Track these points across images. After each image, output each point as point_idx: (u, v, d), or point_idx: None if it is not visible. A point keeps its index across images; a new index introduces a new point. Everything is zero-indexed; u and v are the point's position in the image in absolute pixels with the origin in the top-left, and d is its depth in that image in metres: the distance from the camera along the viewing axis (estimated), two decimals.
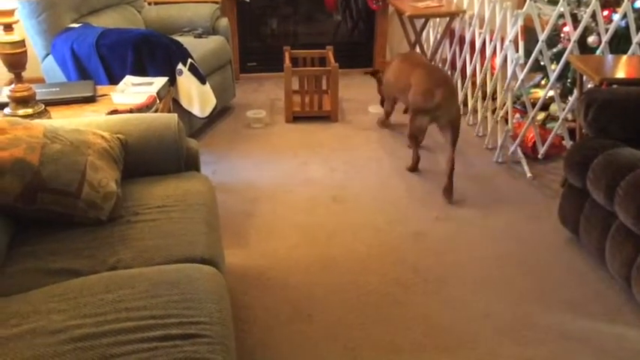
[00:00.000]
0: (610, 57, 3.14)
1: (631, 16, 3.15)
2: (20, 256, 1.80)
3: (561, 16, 3.31)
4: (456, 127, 3.17)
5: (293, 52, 4.33)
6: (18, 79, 2.55)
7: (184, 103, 3.48)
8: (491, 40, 3.72)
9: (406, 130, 3.40)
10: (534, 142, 3.54)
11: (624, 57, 3.08)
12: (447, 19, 4.25)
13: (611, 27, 3.19)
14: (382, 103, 4.12)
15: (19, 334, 1.44)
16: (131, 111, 2.60)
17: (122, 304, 1.50)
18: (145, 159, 2.23)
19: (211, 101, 3.71)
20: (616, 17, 3.28)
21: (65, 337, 1.40)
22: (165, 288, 1.57)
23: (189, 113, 3.56)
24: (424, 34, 4.62)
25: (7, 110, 2.58)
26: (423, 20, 4.54)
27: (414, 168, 3.49)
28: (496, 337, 2.20)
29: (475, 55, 3.94)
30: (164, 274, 1.65)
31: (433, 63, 4.27)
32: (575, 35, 3.21)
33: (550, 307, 2.36)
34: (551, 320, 2.29)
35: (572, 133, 3.42)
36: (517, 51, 3.38)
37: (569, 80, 3.69)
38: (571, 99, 3.39)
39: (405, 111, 4.17)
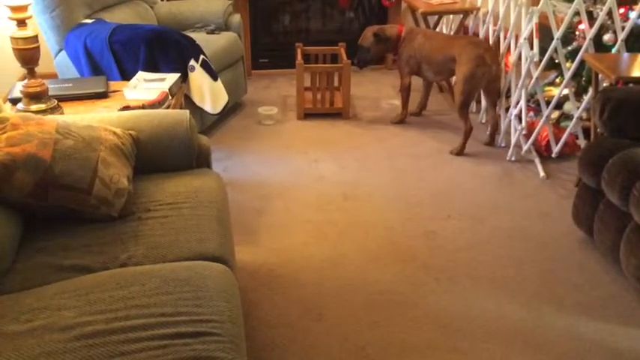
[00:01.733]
0: (626, 55, 3.10)
1: None
2: (31, 251, 1.80)
3: (577, 13, 3.27)
4: (499, 87, 3.68)
5: (305, 49, 4.32)
6: (31, 74, 2.56)
7: (196, 100, 3.48)
8: (505, 38, 3.69)
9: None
10: (548, 141, 3.50)
11: None
12: (461, 15, 4.21)
13: (628, 25, 3.15)
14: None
15: (30, 329, 1.44)
16: (143, 107, 2.60)
17: (133, 301, 1.50)
18: (157, 155, 2.23)
19: (223, 98, 3.71)
20: (632, 15, 3.24)
21: (75, 334, 1.40)
22: (176, 285, 1.56)
23: (201, 110, 3.56)
24: (437, 30, 4.59)
25: (20, 105, 2.60)
26: (436, 17, 4.51)
27: (464, 145, 3.62)
28: (508, 338, 2.18)
29: None
30: (175, 271, 1.64)
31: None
32: (590, 33, 3.17)
33: (563, 308, 2.33)
34: (564, 322, 2.27)
35: (586, 132, 3.38)
36: (532, 49, 3.35)
37: (584, 78, 3.65)
38: (586, 97, 3.35)
39: (418, 113, 4.16)
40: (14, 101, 2.68)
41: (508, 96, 3.73)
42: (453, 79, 3.94)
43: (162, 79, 2.94)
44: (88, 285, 1.59)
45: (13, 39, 2.46)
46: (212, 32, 4.05)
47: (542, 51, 3.34)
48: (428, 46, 3.76)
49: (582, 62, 3.27)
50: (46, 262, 1.75)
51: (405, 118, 4.03)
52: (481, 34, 4.00)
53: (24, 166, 1.83)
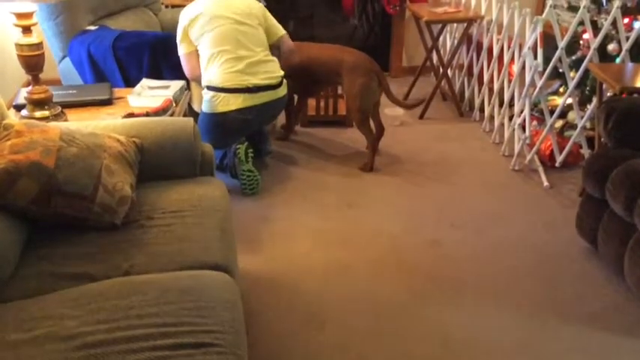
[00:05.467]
0: (630, 65, 3.10)
1: None
2: (34, 259, 1.80)
3: (581, 23, 3.27)
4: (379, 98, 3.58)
5: None
6: (35, 80, 2.56)
7: (196, 107, 3.45)
8: (509, 47, 3.69)
9: None
10: (552, 151, 3.50)
11: None
12: (465, 24, 4.22)
13: (632, 35, 3.14)
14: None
15: (32, 338, 1.44)
16: (147, 114, 2.60)
17: (134, 311, 1.49)
18: (161, 163, 2.23)
19: None
20: (637, 25, 3.24)
21: (77, 344, 1.39)
22: (178, 295, 1.55)
23: None
24: (441, 39, 4.59)
25: (24, 112, 2.60)
26: (440, 25, 4.51)
27: (371, 164, 3.51)
28: (513, 350, 2.17)
29: (493, 62, 3.91)
30: (177, 280, 1.64)
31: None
32: (595, 43, 3.17)
33: (567, 320, 2.32)
34: (569, 333, 2.25)
35: (590, 141, 3.38)
36: (535, 58, 3.34)
37: (587, 88, 3.65)
38: (590, 107, 3.35)
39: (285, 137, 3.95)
40: (18, 107, 2.68)
41: (512, 105, 3.73)
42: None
43: (167, 87, 2.94)
44: (90, 294, 1.58)
45: (18, 46, 2.46)
46: None
47: (546, 60, 3.33)
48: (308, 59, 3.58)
49: (586, 72, 3.27)
50: (48, 270, 1.75)
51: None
52: (485, 43, 4.00)
53: (27, 173, 1.82)
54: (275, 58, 3.32)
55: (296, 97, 3.81)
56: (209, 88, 3.14)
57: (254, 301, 2.41)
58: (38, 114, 2.54)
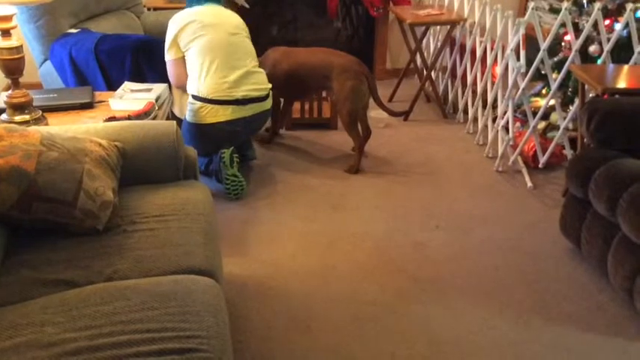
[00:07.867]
0: (611, 66, 3.13)
1: (633, 26, 3.14)
2: (15, 265, 1.77)
3: (563, 24, 3.30)
4: (368, 101, 3.57)
5: None
6: (15, 84, 2.53)
7: (176, 111, 3.42)
8: (492, 49, 3.71)
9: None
10: (535, 152, 3.52)
11: (626, 67, 3.06)
12: (448, 27, 4.24)
13: (613, 36, 3.18)
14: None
15: (12, 346, 1.41)
16: (129, 117, 2.57)
17: (117, 317, 1.47)
18: (143, 167, 2.21)
19: None
20: (618, 26, 3.27)
21: (59, 351, 1.37)
22: (162, 300, 1.54)
23: None
24: (424, 41, 4.61)
25: (3, 116, 2.56)
26: (423, 28, 4.53)
27: (357, 166, 3.51)
28: (497, 351, 2.18)
29: (476, 64, 3.93)
30: (161, 285, 1.62)
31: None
32: (576, 44, 3.20)
33: (551, 320, 2.33)
34: (553, 333, 2.26)
35: (572, 142, 3.40)
36: (518, 60, 3.36)
37: (570, 89, 3.68)
38: (572, 108, 3.37)
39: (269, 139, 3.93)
40: None
41: (495, 107, 3.75)
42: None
43: (149, 90, 2.92)
44: (73, 300, 1.56)
45: None
46: None
47: (529, 62, 3.36)
48: (295, 64, 3.59)
49: (568, 73, 3.30)
50: (29, 276, 1.72)
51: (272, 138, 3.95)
52: (468, 45, 4.02)
53: (7, 178, 1.79)
54: (262, 70, 3.32)
55: (282, 100, 3.80)
56: (197, 98, 3.12)
57: (239, 305, 2.39)
58: (18, 118, 2.51)
